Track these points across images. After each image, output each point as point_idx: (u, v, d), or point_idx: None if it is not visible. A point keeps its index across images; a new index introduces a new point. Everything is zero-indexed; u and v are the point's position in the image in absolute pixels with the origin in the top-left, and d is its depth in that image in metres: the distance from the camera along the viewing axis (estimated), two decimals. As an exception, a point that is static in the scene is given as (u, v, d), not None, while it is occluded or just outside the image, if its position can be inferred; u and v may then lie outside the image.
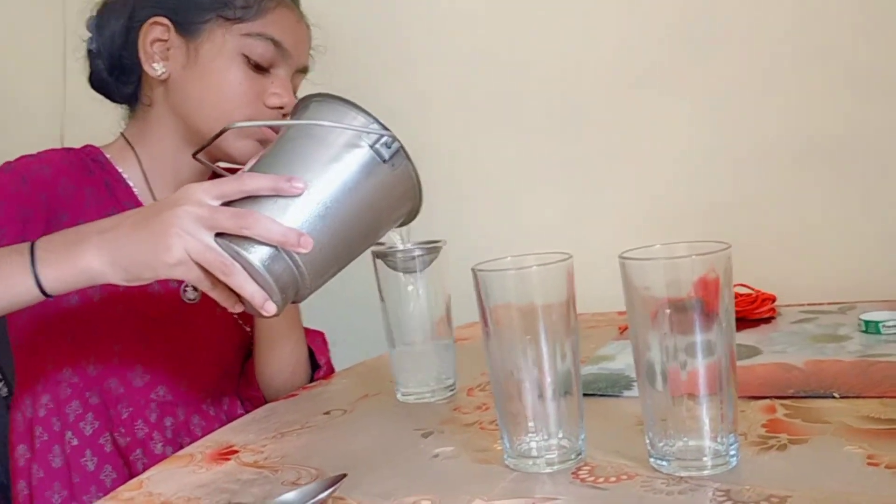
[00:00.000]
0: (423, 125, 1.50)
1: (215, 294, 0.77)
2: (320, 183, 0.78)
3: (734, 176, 1.30)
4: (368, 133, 0.80)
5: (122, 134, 1.06)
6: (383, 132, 0.81)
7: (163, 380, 1.02)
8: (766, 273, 1.15)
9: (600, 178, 1.39)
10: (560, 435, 0.70)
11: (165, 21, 0.97)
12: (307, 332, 1.13)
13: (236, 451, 0.83)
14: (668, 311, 0.64)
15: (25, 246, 0.79)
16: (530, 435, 0.70)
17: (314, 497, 0.65)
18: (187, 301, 1.03)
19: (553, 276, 0.70)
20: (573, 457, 0.69)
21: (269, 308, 0.75)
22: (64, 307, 0.97)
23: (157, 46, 0.98)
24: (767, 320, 1.10)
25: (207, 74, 0.97)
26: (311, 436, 0.86)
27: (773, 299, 1.13)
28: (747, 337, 1.02)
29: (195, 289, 1.04)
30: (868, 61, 1.20)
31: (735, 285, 0.66)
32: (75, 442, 0.97)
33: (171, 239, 0.73)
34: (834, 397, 0.77)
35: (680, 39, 1.30)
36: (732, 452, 0.65)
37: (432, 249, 0.95)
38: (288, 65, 1.00)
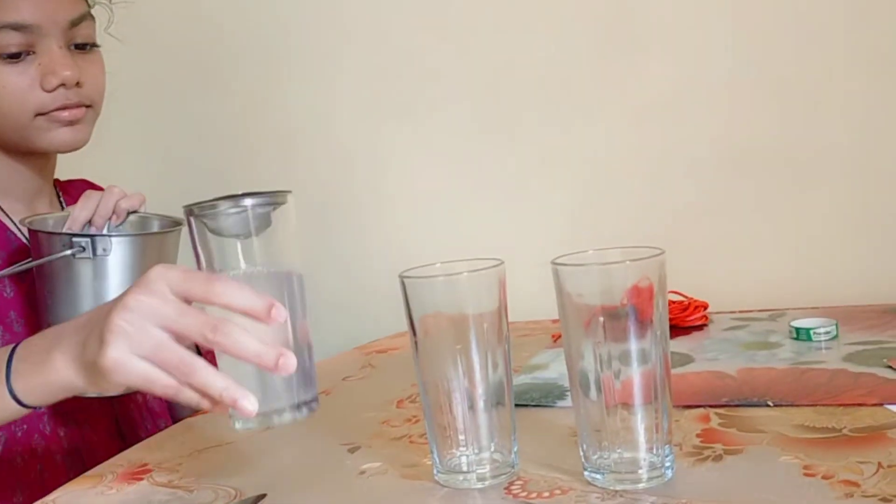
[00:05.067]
0: (347, 130, 1.47)
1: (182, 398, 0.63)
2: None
3: (665, 184, 1.29)
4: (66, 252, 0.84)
5: None
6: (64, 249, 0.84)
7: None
8: (698, 280, 1.15)
9: (530, 184, 1.37)
10: (492, 448, 0.67)
11: None
12: None
13: (149, 470, 0.78)
14: (601, 318, 0.62)
15: (4, 354, 0.70)
16: (461, 449, 0.67)
17: (230, 519, 0.61)
18: None
19: (484, 283, 0.67)
20: (506, 471, 0.67)
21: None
22: None
23: None
24: (700, 327, 1.10)
25: None
26: (231, 452, 0.82)
27: (706, 307, 1.13)
28: (679, 345, 1.01)
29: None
30: (798, 73, 1.21)
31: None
32: None
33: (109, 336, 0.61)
34: (768, 405, 0.76)
35: (613, 44, 1.29)
36: (668, 464, 0.63)
37: (274, 200, 0.68)
38: (52, 35, 0.92)
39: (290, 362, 0.60)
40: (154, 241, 0.89)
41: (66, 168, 1.09)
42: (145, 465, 0.80)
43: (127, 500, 0.71)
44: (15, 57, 0.90)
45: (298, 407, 0.67)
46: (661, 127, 1.29)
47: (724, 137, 1.26)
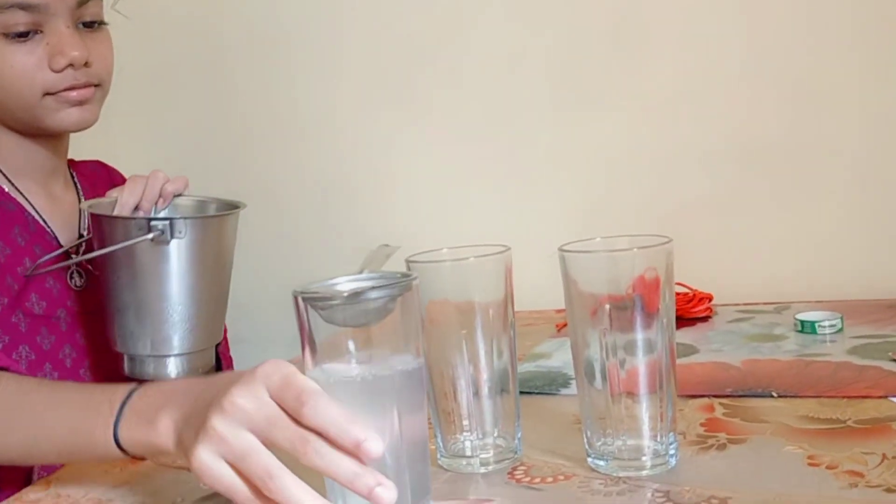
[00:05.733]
0: (352, 116, 1.47)
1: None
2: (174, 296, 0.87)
3: (673, 176, 1.29)
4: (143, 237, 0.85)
5: None
6: (144, 232, 0.85)
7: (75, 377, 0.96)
8: (703, 272, 1.15)
9: (538, 174, 1.37)
10: (496, 434, 0.67)
11: None
12: None
13: (154, 451, 0.78)
14: (607, 307, 0.62)
15: (118, 398, 0.67)
16: (465, 434, 0.68)
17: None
18: (74, 288, 0.97)
19: (491, 269, 0.67)
20: (509, 456, 0.67)
21: None
22: None
23: None
24: (704, 319, 1.10)
25: None
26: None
27: (710, 298, 1.13)
28: (684, 336, 1.01)
29: (80, 275, 0.98)
30: (807, 68, 1.20)
31: (673, 283, 0.65)
32: None
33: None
34: (772, 396, 0.76)
35: (625, 36, 1.29)
36: (672, 452, 0.63)
37: (401, 290, 0.60)
38: (60, 14, 0.90)
39: (388, 496, 0.53)
40: (214, 224, 0.90)
41: (70, 146, 1.09)
42: (150, 445, 0.80)
43: (131, 480, 0.72)
44: (23, 36, 0.89)
45: None
46: (670, 120, 1.28)
47: (732, 132, 1.25)
